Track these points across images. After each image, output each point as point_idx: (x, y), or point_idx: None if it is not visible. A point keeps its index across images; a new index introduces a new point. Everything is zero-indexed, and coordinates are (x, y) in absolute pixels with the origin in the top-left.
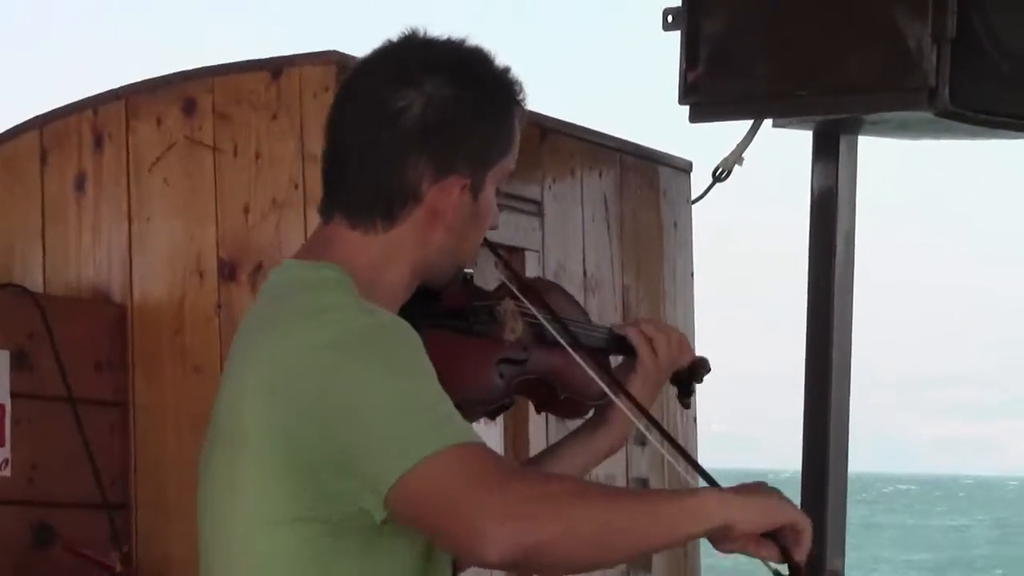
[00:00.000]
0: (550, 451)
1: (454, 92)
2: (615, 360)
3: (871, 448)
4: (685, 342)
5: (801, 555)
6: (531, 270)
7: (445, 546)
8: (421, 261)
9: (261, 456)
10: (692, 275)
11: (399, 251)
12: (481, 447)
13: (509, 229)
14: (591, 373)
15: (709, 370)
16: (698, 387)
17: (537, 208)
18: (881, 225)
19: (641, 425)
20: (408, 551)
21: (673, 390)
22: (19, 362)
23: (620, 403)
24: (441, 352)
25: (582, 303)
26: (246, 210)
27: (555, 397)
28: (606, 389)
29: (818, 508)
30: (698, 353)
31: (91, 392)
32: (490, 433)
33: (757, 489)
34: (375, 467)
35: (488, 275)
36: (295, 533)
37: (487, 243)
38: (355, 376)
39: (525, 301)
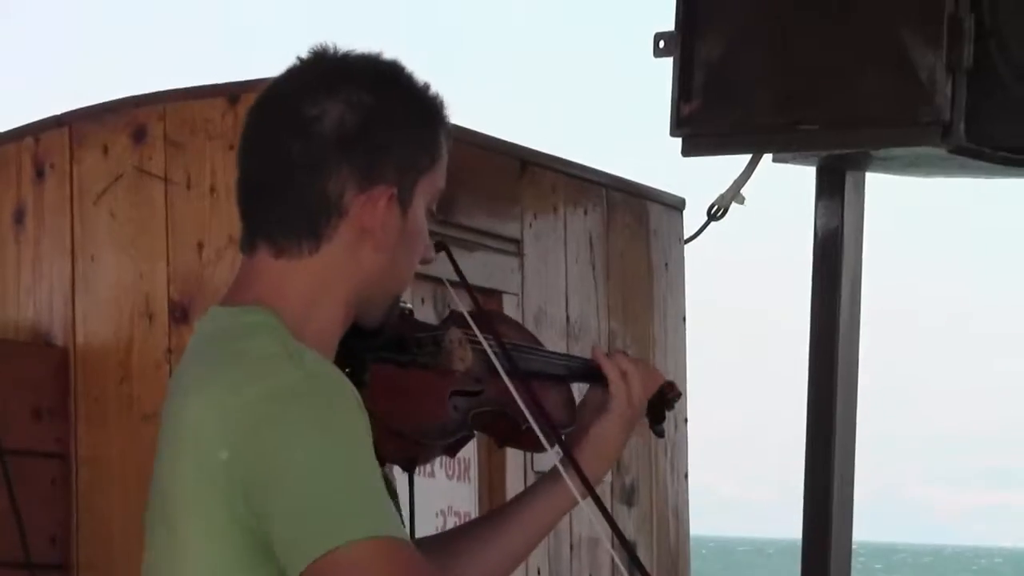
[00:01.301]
0: (484, 525)
1: (374, 99)
2: (581, 389)
3: (887, 515)
4: (656, 374)
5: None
6: (509, 313)
7: None
8: (353, 289)
9: (196, 519)
10: (684, 320)
11: (329, 278)
12: (409, 546)
13: (486, 270)
14: (528, 416)
15: (679, 395)
16: (693, 444)
17: (516, 247)
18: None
19: (554, 452)
20: None
21: (644, 420)
22: None
23: (548, 446)
24: (389, 387)
25: (565, 349)
26: (200, 247)
27: (516, 429)
28: (535, 428)
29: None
30: (665, 377)
31: (29, 442)
32: (463, 491)
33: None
34: (295, 539)
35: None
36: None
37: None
38: (286, 437)
39: (474, 327)
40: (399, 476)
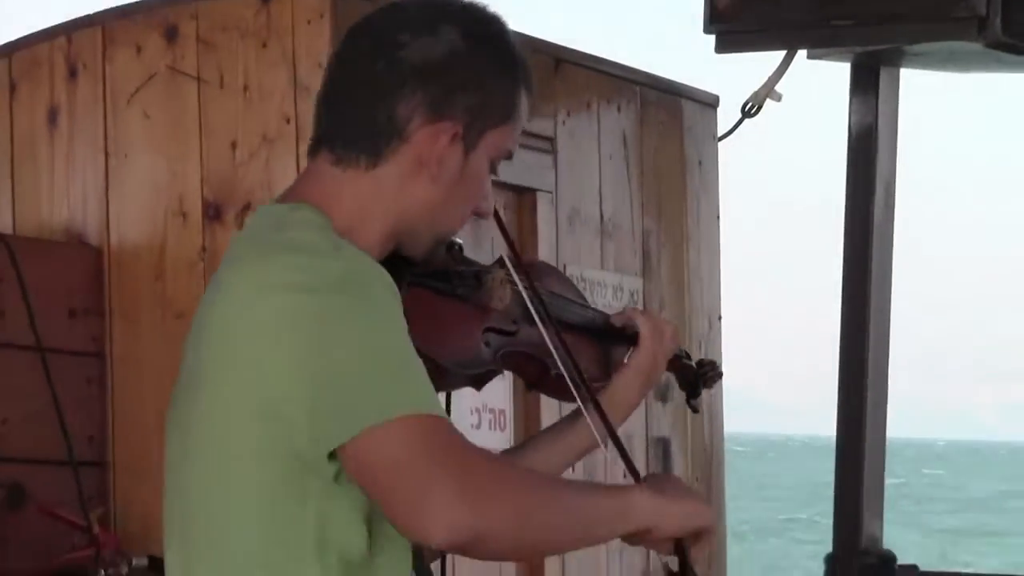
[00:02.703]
0: (529, 444)
1: (463, 41)
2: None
3: (930, 413)
4: (677, 337)
5: (700, 553)
6: (543, 211)
7: (388, 515)
8: (400, 216)
9: (222, 393)
10: (718, 218)
11: (381, 197)
12: (446, 422)
13: (519, 168)
14: (557, 360)
15: (720, 375)
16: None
17: (550, 145)
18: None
19: (586, 411)
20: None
21: (681, 394)
22: None
23: (576, 393)
24: (424, 311)
25: (599, 248)
26: (233, 146)
27: (546, 375)
28: (564, 374)
29: (854, 471)
30: (707, 357)
31: (65, 341)
32: (498, 388)
33: (680, 492)
34: (332, 420)
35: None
36: (256, 470)
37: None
38: (325, 321)
39: (513, 272)
40: None
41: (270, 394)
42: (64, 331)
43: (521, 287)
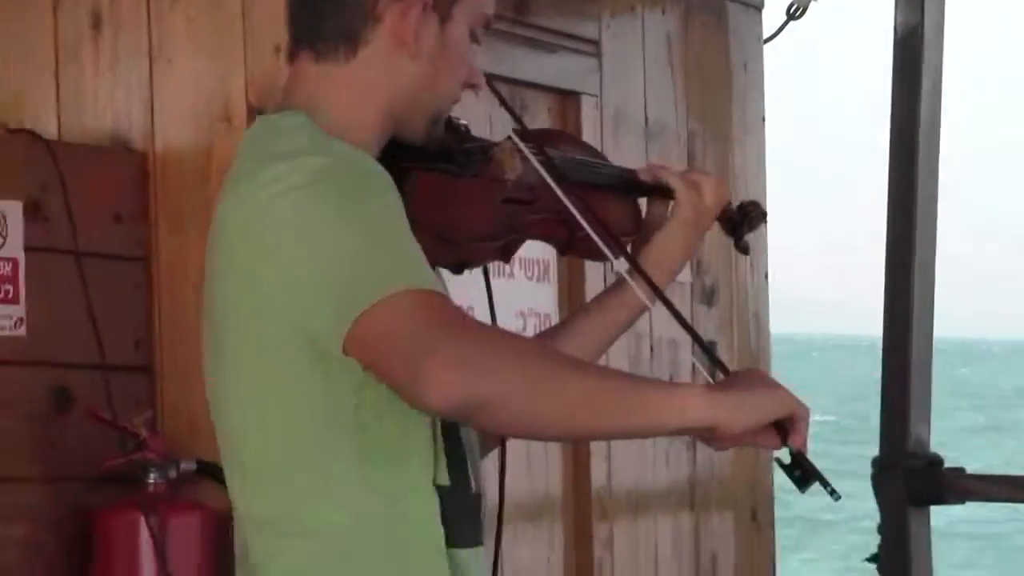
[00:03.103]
0: (563, 325)
1: None
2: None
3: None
4: (725, 187)
5: (799, 443)
6: (587, 115)
7: (392, 387)
8: (391, 98)
9: (239, 299)
10: (763, 120)
11: (367, 84)
12: (443, 296)
13: (563, 72)
14: (580, 219)
15: (764, 215)
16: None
17: (594, 48)
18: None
19: (618, 267)
20: None
21: (728, 240)
22: (32, 214)
23: (601, 244)
24: (435, 195)
25: (643, 150)
26: (277, 50)
27: (573, 237)
28: (586, 226)
29: (900, 376)
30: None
31: (110, 247)
32: (542, 292)
33: (749, 383)
34: (331, 313)
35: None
36: (285, 365)
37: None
38: (314, 214)
39: (520, 143)
40: (477, 279)
41: (280, 300)
42: (110, 236)
43: (527, 152)
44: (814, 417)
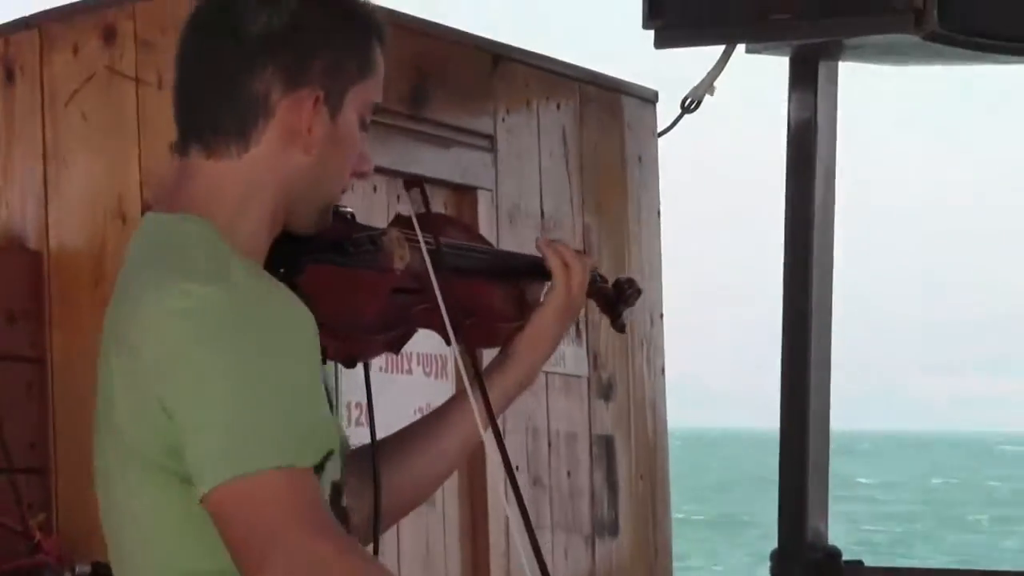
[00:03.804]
0: (408, 431)
1: (304, 6)
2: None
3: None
4: (591, 265)
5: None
6: (483, 209)
7: (235, 565)
8: (282, 192)
9: (123, 428)
10: (659, 214)
11: (259, 180)
12: (308, 479)
13: (459, 166)
14: (445, 317)
15: (639, 292)
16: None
17: (489, 143)
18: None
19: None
20: None
21: (604, 319)
22: None
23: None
24: (326, 287)
25: None
26: (171, 148)
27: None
28: (447, 324)
29: (798, 467)
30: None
31: (4, 347)
32: (441, 388)
33: None
34: (201, 461)
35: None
36: (155, 489)
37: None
38: (200, 355)
39: (416, 225)
40: (384, 377)
41: (167, 432)
42: (3, 336)
43: (422, 241)
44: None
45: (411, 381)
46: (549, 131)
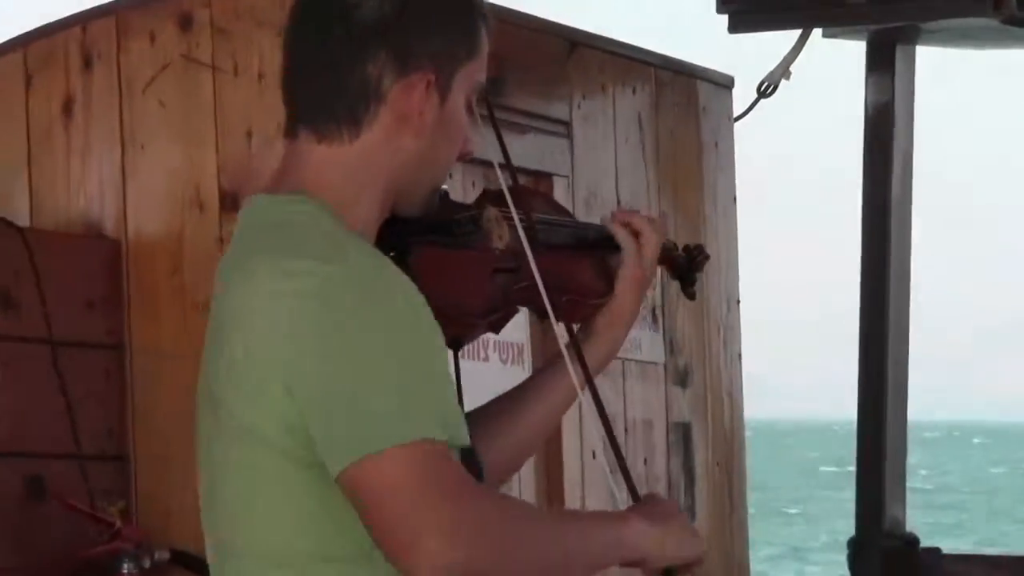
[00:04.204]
0: (506, 409)
1: None
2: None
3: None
4: (662, 234)
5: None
6: (560, 196)
7: (379, 546)
8: (393, 176)
9: (238, 386)
10: (735, 200)
11: (370, 163)
12: (439, 451)
13: (535, 153)
14: (541, 290)
15: (707, 257)
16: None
17: (565, 129)
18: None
19: (568, 354)
20: None
21: (675, 284)
22: (4, 302)
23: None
24: (432, 268)
25: None
26: (249, 134)
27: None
28: (546, 300)
29: (875, 456)
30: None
31: (83, 334)
32: (516, 375)
33: (674, 521)
34: (330, 445)
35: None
36: (276, 466)
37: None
38: (323, 334)
39: (509, 201)
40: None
41: (282, 401)
42: (82, 324)
43: (516, 219)
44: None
45: (487, 368)
46: (624, 117)
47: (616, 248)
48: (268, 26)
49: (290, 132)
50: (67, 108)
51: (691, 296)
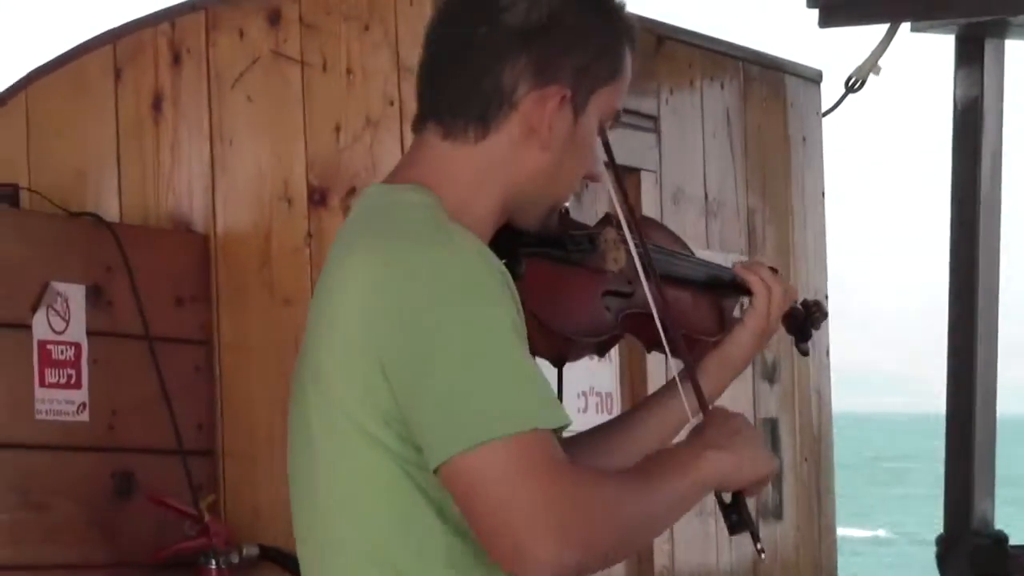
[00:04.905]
0: (621, 428)
1: (564, 2)
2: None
3: None
4: (793, 290)
5: (755, 495)
6: (647, 192)
7: (485, 547)
8: (513, 185)
9: (337, 371)
10: (823, 194)
11: (491, 168)
12: (543, 440)
13: (622, 148)
14: (656, 318)
15: (825, 315)
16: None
17: (653, 124)
18: None
19: (679, 375)
20: None
21: (789, 338)
22: (96, 298)
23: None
24: (543, 283)
25: (704, 227)
26: (337, 130)
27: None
28: (659, 328)
29: (964, 452)
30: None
31: (173, 329)
32: (604, 372)
33: (741, 434)
34: (431, 435)
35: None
36: (376, 464)
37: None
38: (426, 320)
39: (627, 232)
40: (547, 366)
41: (380, 385)
42: (171, 319)
43: (632, 245)
44: None
45: (575, 365)
46: (712, 111)
47: (737, 293)
48: (356, 21)
49: (417, 125)
50: (156, 103)
51: (804, 352)
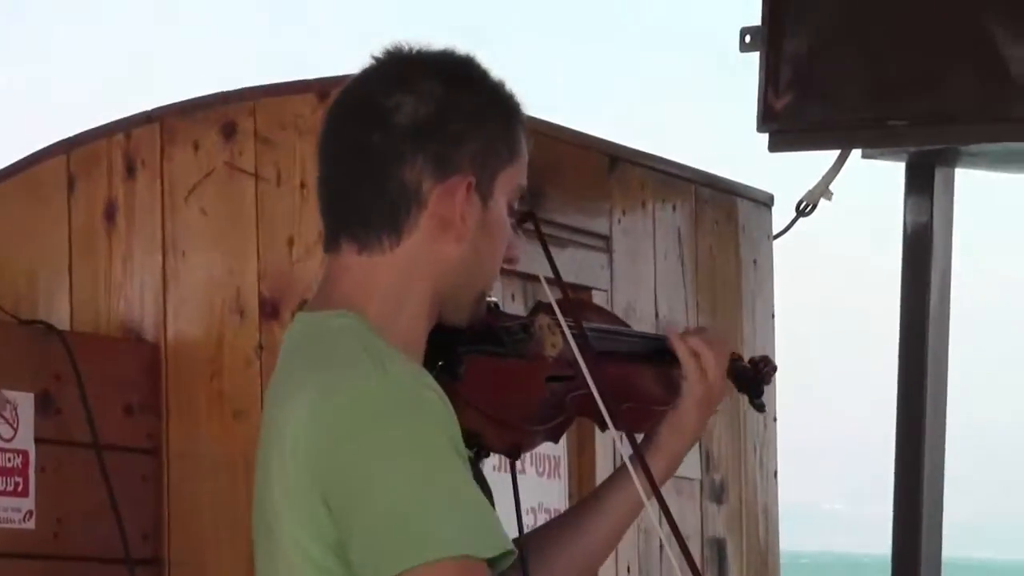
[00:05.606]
0: (570, 522)
1: (445, 91)
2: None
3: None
4: (727, 347)
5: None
6: None
7: None
8: (438, 283)
9: (286, 526)
10: (773, 317)
11: (413, 271)
12: (478, 568)
13: (575, 266)
14: (596, 397)
15: (775, 369)
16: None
17: (605, 244)
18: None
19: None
20: None
21: (743, 398)
22: (44, 405)
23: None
24: (485, 378)
25: None
26: (290, 243)
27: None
28: (606, 419)
29: None
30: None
31: (121, 438)
32: (553, 488)
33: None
34: (369, 556)
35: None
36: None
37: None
38: (365, 450)
39: (557, 311)
40: (498, 477)
41: (325, 529)
42: (120, 428)
43: (565, 328)
44: None
45: (524, 481)
46: (664, 232)
47: (674, 362)
48: (310, 135)
49: (331, 245)
50: (109, 213)
51: (759, 408)
